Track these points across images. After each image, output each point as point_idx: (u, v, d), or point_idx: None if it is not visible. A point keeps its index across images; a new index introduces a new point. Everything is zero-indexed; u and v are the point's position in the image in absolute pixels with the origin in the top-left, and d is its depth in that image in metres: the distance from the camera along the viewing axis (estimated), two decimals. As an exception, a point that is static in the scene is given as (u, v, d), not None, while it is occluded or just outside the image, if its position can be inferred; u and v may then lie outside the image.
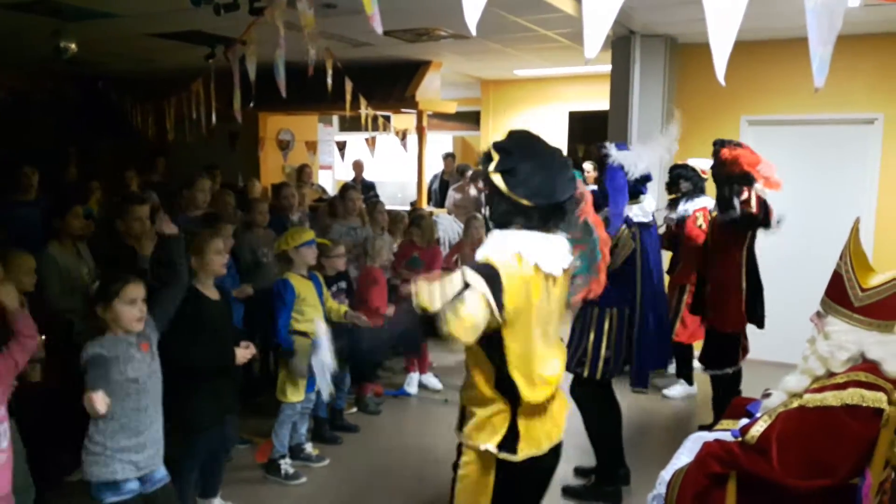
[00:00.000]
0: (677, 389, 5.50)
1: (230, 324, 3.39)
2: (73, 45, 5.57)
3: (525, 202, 2.07)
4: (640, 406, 5.28)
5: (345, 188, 6.33)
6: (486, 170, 2.13)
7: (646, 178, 3.72)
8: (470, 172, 8.88)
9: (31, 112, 9.26)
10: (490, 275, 2.00)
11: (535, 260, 2.06)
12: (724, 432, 2.74)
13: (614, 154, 3.60)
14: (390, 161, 9.82)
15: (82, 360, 2.61)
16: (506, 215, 2.11)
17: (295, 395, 4.01)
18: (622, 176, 3.58)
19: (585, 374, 3.67)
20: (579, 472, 4.09)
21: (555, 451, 2.24)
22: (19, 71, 8.86)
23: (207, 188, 5.21)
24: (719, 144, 4.26)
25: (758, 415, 2.59)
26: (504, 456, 2.09)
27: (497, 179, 2.09)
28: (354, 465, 4.28)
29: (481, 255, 2.10)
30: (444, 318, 1.94)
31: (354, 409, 5.10)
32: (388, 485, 4.05)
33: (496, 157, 2.11)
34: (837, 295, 2.48)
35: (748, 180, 4.09)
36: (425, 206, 8.01)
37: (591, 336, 3.65)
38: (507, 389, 2.10)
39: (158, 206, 4.39)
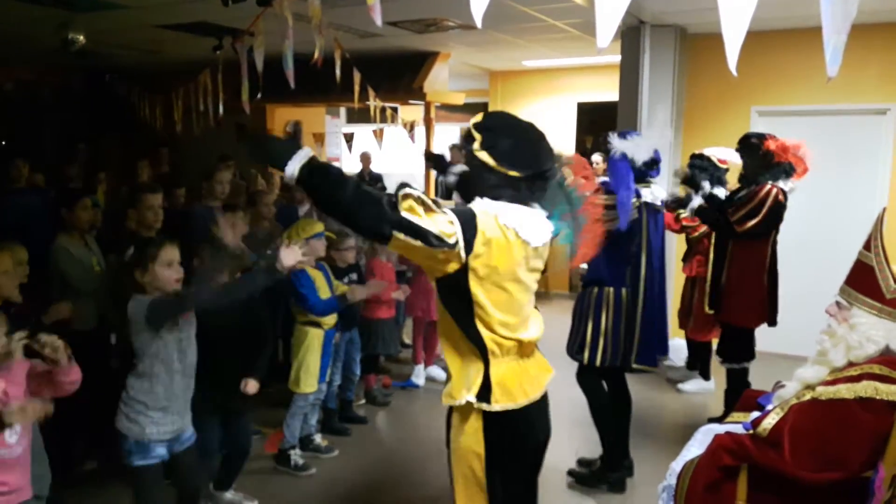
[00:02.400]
0: (693, 384, 5.47)
1: (237, 318, 3.35)
2: (81, 37, 5.57)
3: (514, 173, 2.13)
4: (652, 399, 5.27)
5: None
6: (471, 149, 2.19)
7: (654, 162, 3.71)
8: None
9: (38, 104, 9.29)
10: (466, 214, 2.06)
11: (514, 226, 2.11)
12: (736, 425, 2.73)
13: (616, 144, 3.61)
14: (398, 153, 9.80)
15: (138, 314, 2.65)
16: (495, 189, 2.16)
17: (308, 387, 4.01)
18: (625, 165, 3.58)
19: (585, 360, 3.67)
20: (582, 463, 4.10)
21: (537, 412, 2.26)
22: (27, 63, 8.89)
23: (226, 180, 5.20)
24: (758, 137, 4.24)
25: (770, 407, 2.58)
26: (482, 406, 2.14)
27: (484, 156, 2.15)
28: (363, 457, 4.29)
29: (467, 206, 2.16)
30: (405, 202, 1.97)
31: (363, 401, 5.11)
32: (397, 476, 4.06)
33: (478, 136, 2.18)
34: (865, 286, 2.43)
35: (789, 171, 4.12)
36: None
37: (590, 323, 3.66)
38: (475, 340, 2.15)
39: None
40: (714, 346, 5.41)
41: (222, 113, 5.38)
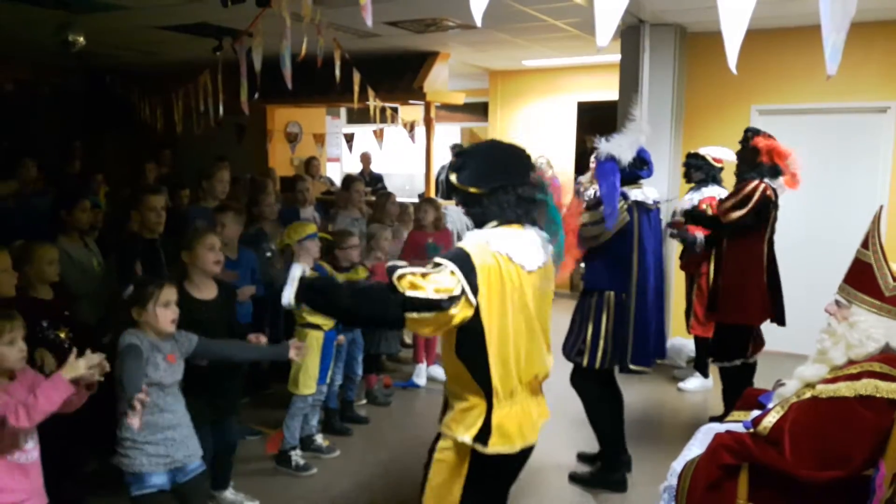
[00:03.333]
0: (694, 382, 5.47)
1: (226, 323, 3.32)
2: (80, 38, 5.57)
3: (473, 190, 2.25)
4: (653, 398, 5.27)
5: (350, 179, 6.32)
6: (448, 175, 2.33)
7: (643, 162, 3.71)
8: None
9: (37, 105, 9.29)
10: (461, 257, 2.11)
11: (505, 251, 2.17)
12: (736, 423, 2.73)
13: (601, 147, 3.62)
14: (398, 153, 9.81)
15: (119, 346, 2.67)
16: (467, 209, 2.30)
17: (306, 388, 4.01)
18: (612, 167, 3.57)
19: (585, 363, 3.67)
20: (582, 457, 4.12)
21: (525, 453, 2.31)
22: (26, 63, 8.89)
23: (227, 179, 5.19)
24: (752, 132, 4.27)
25: (770, 405, 2.58)
26: (477, 447, 2.19)
27: (452, 177, 2.29)
28: (364, 457, 4.29)
29: (456, 245, 2.24)
30: (403, 281, 2.06)
31: (364, 401, 5.11)
32: (398, 476, 4.06)
33: (454, 160, 2.34)
34: (864, 284, 2.43)
35: (775, 173, 4.14)
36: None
37: (590, 326, 3.66)
38: (481, 379, 2.18)
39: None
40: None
41: (222, 114, 5.37)
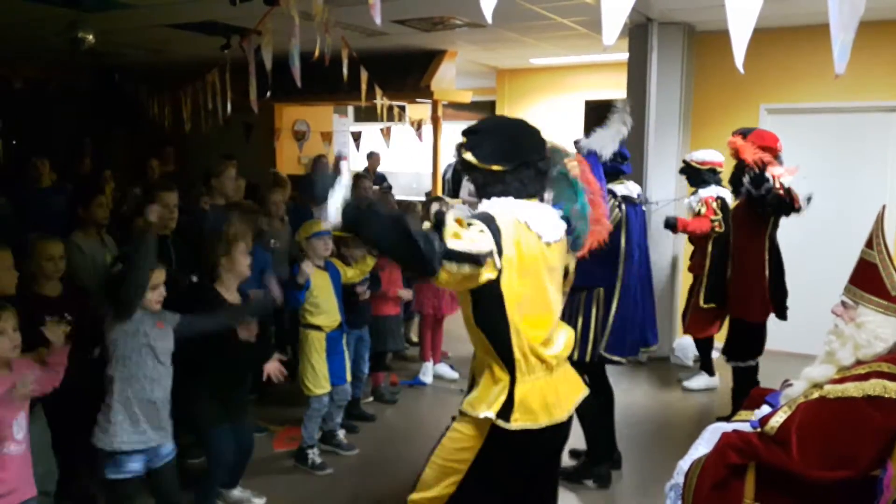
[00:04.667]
0: (699, 381, 5.46)
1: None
2: (90, 37, 5.59)
3: (496, 167, 2.22)
4: (659, 397, 5.27)
5: (356, 177, 6.33)
6: (461, 154, 2.29)
7: (622, 157, 3.76)
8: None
9: (47, 102, 9.35)
10: (487, 218, 2.12)
11: (524, 219, 2.17)
12: (743, 423, 2.73)
13: (583, 143, 3.66)
14: (405, 151, 9.81)
15: (107, 338, 2.75)
16: (486, 188, 2.26)
17: (318, 388, 4.01)
18: (594, 160, 3.56)
19: (575, 357, 3.67)
20: (574, 453, 4.12)
21: (555, 430, 2.25)
22: (36, 61, 8.94)
23: (234, 176, 5.20)
24: (738, 133, 4.29)
25: (778, 405, 2.57)
26: (499, 423, 2.15)
27: (469, 157, 2.25)
28: (370, 454, 4.30)
29: (479, 210, 2.22)
30: (447, 230, 2.04)
31: (371, 398, 5.12)
32: (404, 473, 4.06)
33: (465, 139, 2.30)
34: (870, 285, 2.41)
35: (761, 179, 4.12)
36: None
37: (580, 320, 3.69)
38: (503, 352, 2.17)
39: None
40: (714, 341, 5.42)
41: (230, 111, 5.39)
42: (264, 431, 4.51)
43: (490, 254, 2.05)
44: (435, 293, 5.47)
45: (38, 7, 5.66)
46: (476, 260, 2.02)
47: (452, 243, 2.00)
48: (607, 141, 3.59)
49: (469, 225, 2.09)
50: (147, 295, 2.79)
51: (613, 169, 3.68)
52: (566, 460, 4.05)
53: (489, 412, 2.15)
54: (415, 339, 6.33)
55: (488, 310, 2.15)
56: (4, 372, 2.41)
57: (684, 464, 2.65)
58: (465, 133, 2.31)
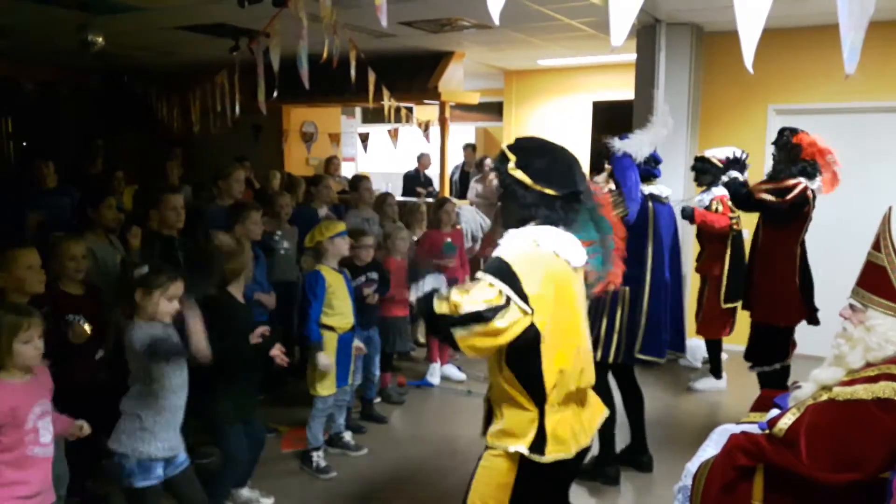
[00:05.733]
0: (705, 383, 5.44)
1: (252, 327, 3.42)
2: (100, 39, 5.63)
3: (550, 191, 2.18)
4: (667, 399, 5.25)
5: (357, 178, 6.34)
6: (505, 169, 2.22)
7: (655, 160, 3.78)
8: (488, 160, 8.88)
9: (57, 105, 9.41)
10: (498, 267, 2.09)
11: (552, 248, 2.14)
12: (752, 425, 2.72)
13: (617, 144, 3.67)
14: (410, 153, 9.82)
15: (138, 344, 2.67)
16: (530, 208, 2.20)
17: (325, 389, 4.01)
18: (629, 161, 3.63)
19: (598, 357, 3.67)
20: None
21: (582, 455, 2.28)
22: (47, 63, 9.01)
23: (243, 178, 5.23)
24: (790, 131, 4.23)
25: (786, 407, 2.56)
26: (533, 457, 2.13)
27: (519, 174, 2.19)
28: (379, 455, 4.31)
29: (494, 254, 2.18)
30: (443, 305, 2.08)
31: (378, 399, 5.12)
32: (412, 474, 4.07)
33: (512, 156, 2.23)
34: (879, 287, 2.38)
35: (812, 171, 4.08)
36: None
37: (605, 320, 3.68)
38: (533, 387, 2.14)
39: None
40: (723, 343, 5.40)
41: (239, 113, 5.42)
42: (273, 432, 4.52)
43: (504, 306, 2.01)
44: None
45: (48, 9, 5.70)
46: (480, 318, 2.01)
47: (447, 312, 2.06)
48: (644, 144, 3.60)
49: (476, 280, 2.09)
50: (164, 305, 2.76)
51: (645, 172, 3.71)
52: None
53: (520, 446, 2.14)
54: (422, 340, 6.33)
55: (522, 351, 2.11)
56: (27, 377, 2.43)
57: (692, 465, 2.64)
58: (510, 149, 2.26)
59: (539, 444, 2.13)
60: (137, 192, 6.23)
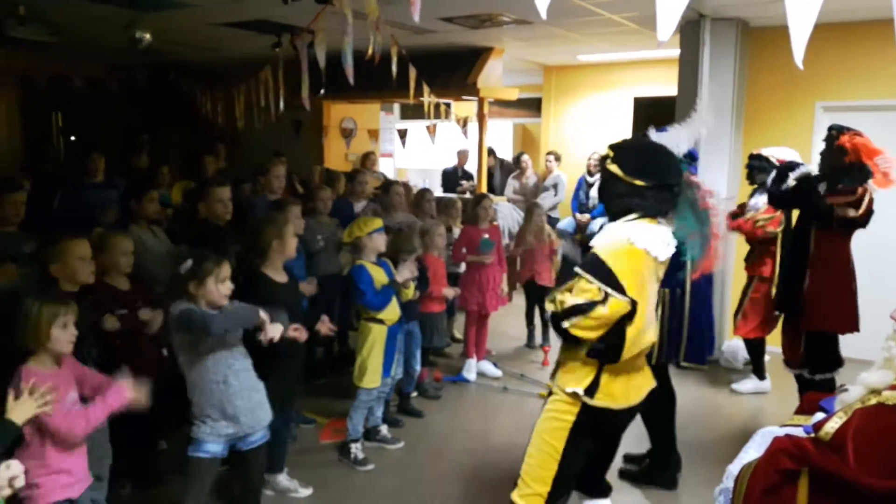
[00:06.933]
0: (748, 384, 5.34)
1: (300, 305, 3.49)
2: (147, 36, 5.77)
3: (639, 182, 2.50)
4: (708, 400, 5.17)
5: (389, 183, 6.35)
6: (604, 165, 2.61)
7: (692, 157, 3.69)
8: (525, 156, 8.84)
9: (105, 100, 9.65)
10: (594, 264, 2.46)
11: (644, 245, 2.45)
12: (796, 428, 2.66)
13: (654, 136, 3.58)
14: (448, 149, 9.82)
15: (175, 315, 2.78)
16: (624, 199, 2.53)
17: (370, 382, 4.06)
18: None
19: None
20: (628, 458, 4.07)
21: (630, 412, 2.68)
22: (95, 60, 9.24)
23: (283, 174, 5.32)
24: (836, 130, 4.02)
25: (832, 411, 2.50)
26: (584, 399, 2.54)
27: (614, 168, 2.56)
28: (415, 449, 4.34)
29: (593, 246, 2.54)
30: (552, 304, 2.55)
31: (415, 393, 5.15)
32: (448, 468, 4.09)
33: (611, 152, 2.62)
34: None
35: (864, 175, 3.87)
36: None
37: None
38: (604, 356, 2.52)
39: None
40: (765, 343, 5.28)
41: (283, 109, 5.50)
42: (312, 423, 4.58)
43: (604, 300, 2.41)
44: (480, 290, 5.48)
45: (98, 7, 5.85)
46: (581, 310, 2.43)
47: (554, 309, 2.54)
48: (683, 139, 3.54)
49: (576, 276, 2.48)
50: (219, 289, 2.84)
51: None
52: (624, 466, 4.03)
53: (578, 388, 2.53)
54: (458, 335, 6.35)
55: (611, 332, 2.48)
56: (55, 368, 2.48)
57: (734, 468, 2.60)
58: (612, 147, 2.63)
59: (592, 389, 2.53)
60: (188, 187, 6.37)
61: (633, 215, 2.53)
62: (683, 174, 2.63)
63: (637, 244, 2.44)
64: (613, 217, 2.61)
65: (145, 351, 3.34)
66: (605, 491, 3.06)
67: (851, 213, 3.87)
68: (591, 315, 2.42)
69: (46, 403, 2.28)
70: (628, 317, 2.46)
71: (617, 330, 2.47)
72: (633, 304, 2.43)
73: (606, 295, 2.40)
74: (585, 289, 2.44)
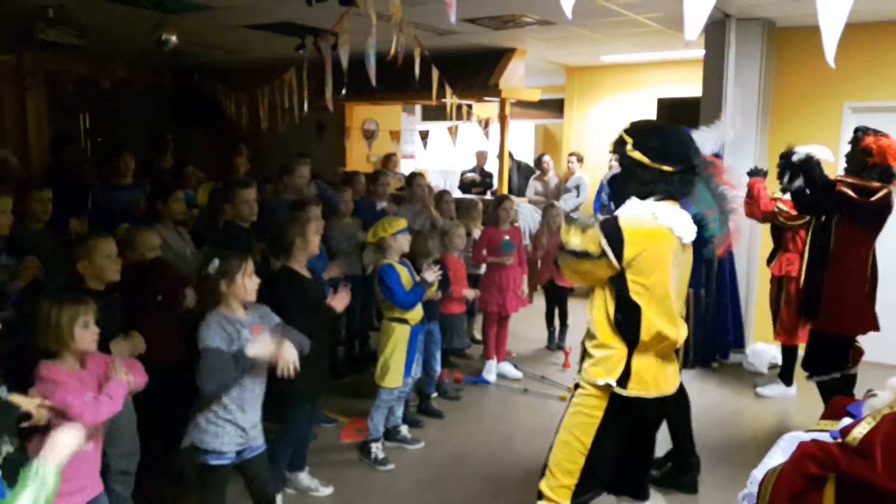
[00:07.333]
0: (773, 389, 5.27)
1: (324, 301, 3.50)
2: (173, 38, 5.83)
3: (667, 168, 2.45)
4: (732, 404, 5.11)
5: (413, 175, 6.40)
6: (624, 151, 2.52)
7: (717, 157, 3.67)
8: (546, 157, 8.81)
9: (131, 102, 9.78)
10: (610, 225, 2.43)
11: (668, 223, 2.42)
12: (822, 433, 2.63)
13: None
14: (469, 150, 9.82)
15: (201, 343, 2.77)
16: (649, 185, 2.48)
17: (393, 382, 4.06)
18: None
19: None
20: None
21: (661, 403, 2.58)
22: (122, 62, 9.38)
23: (307, 174, 5.35)
24: (862, 131, 3.99)
25: (860, 416, 2.46)
26: (617, 389, 2.47)
27: (637, 155, 2.48)
28: (435, 450, 4.34)
29: (615, 213, 2.52)
30: (570, 231, 2.54)
31: (435, 394, 5.16)
32: (468, 469, 4.09)
33: (629, 139, 2.51)
34: None
35: (888, 175, 3.86)
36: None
37: None
38: (624, 331, 2.47)
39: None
40: (799, 351, 5.21)
41: (306, 110, 5.53)
42: (333, 422, 4.61)
43: (600, 257, 2.42)
44: (500, 291, 5.47)
45: (125, 9, 5.94)
46: (575, 255, 2.47)
47: (566, 240, 2.53)
48: (708, 141, 3.53)
49: (593, 227, 2.47)
50: (247, 284, 2.84)
51: None
52: None
53: (609, 379, 2.47)
54: (478, 336, 6.35)
55: (626, 310, 2.46)
56: (79, 368, 2.47)
57: (758, 473, 2.58)
58: (627, 132, 2.54)
59: (624, 379, 2.47)
60: (214, 188, 6.42)
61: (655, 196, 2.49)
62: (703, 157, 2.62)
63: (661, 221, 2.41)
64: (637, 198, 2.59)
65: (169, 338, 3.42)
66: (640, 494, 2.88)
67: (850, 192, 3.83)
68: (580, 264, 2.49)
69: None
70: (632, 296, 2.44)
71: (633, 307, 2.46)
72: (623, 276, 2.43)
73: (603, 253, 2.41)
74: (593, 238, 2.45)
